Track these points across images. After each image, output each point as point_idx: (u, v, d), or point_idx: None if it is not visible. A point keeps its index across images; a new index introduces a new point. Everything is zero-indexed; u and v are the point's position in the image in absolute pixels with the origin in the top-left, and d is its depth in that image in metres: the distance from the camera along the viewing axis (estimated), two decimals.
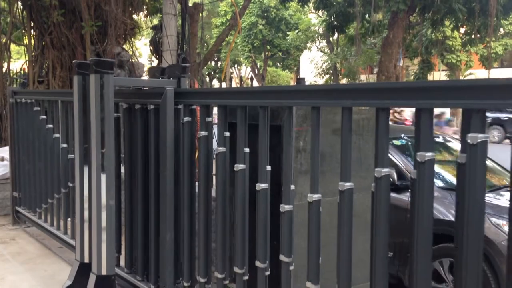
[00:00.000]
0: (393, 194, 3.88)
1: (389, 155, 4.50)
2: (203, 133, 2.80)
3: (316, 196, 2.14)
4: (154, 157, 3.09)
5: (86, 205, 3.17)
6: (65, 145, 4.11)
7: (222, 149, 2.66)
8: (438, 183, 4.47)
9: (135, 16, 8.58)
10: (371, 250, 1.92)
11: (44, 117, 4.50)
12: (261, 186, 2.40)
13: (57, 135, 4.25)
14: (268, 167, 2.40)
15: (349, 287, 2.04)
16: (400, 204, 4.09)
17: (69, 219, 4.13)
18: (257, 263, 2.41)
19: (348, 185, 2.00)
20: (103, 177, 2.98)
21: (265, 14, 31.41)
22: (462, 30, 18.37)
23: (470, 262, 1.63)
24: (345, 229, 2.01)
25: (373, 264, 1.92)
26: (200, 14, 9.48)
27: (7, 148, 5.56)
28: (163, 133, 2.93)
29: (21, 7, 7.56)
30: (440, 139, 5.51)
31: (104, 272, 3.02)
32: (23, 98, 4.95)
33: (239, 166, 2.52)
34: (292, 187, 2.33)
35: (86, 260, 3.21)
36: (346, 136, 2.02)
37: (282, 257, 2.29)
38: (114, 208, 3.10)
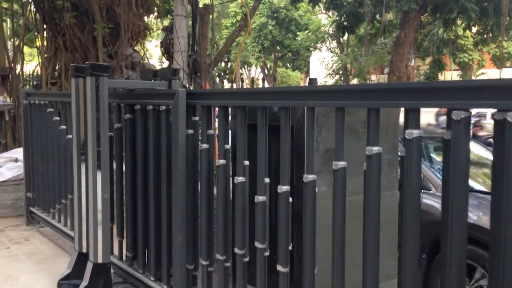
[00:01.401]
0: None
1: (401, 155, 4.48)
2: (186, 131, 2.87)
3: (285, 188, 2.33)
4: (166, 157, 3.11)
5: (83, 199, 3.34)
6: None
7: (205, 146, 2.88)
8: None
9: (146, 18, 8.63)
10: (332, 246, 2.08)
11: (58, 118, 4.54)
12: (239, 179, 2.58)
13: (70, 136, 4.29)
14: (246, 162, 2.61)
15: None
16: None
17: None
18: (236, 250, 2.61)
19: (311, 177, 2.21)
20: (99, 173, 3.19)
21: (275, 15, 31.41)
22: (474, 29, 18.21)
23: (409, 247, 1.83)
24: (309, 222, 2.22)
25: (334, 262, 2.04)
26: (211, 16, 9.51)
27: (21, 149, 5.62)
28: (175, 134, 2.94)
29: (34, 9, 7.64)
30: None
31: (100, 260, 3.23)
32: (36, 100, 5.00)
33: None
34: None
35: (84, 250, 3.38)
36: (309, 132, 2.24)
37: (257, 244, 2.46)
38: (109, 201, 3.34)
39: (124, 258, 3.69)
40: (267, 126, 2.48)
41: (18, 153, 5.84)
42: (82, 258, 3.37)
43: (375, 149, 1.96)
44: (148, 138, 3.28)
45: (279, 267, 2.35)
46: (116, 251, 3.81)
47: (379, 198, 1.97)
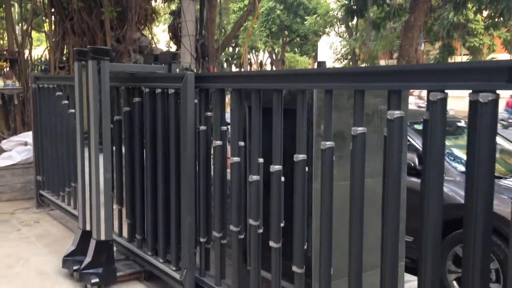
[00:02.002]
0: (413, 179, 3.83)
1: (410, 139, 4.45)
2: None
3: (277, 167, 2.43)
4: (174, 140, 3.12)
5: (87, 179, 3.47)
6: None
7: (203, 127, 2.96)
8: (460, 167, 4.40)
9: (153, 2, 8.58)
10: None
11: (66, 102, 4.56)
12: (234, 159, 2.70)
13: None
14: (241, 143, 2.74)
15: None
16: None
17: None
18: (231, 227, 2.75)
19: (301, 156, 2.31)
20: (101, 154, 3.33)
21: None
22: (485, 13, 17.93)
23: (388, 229, 1.90)
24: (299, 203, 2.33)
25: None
26: (218, 0, 9.44)
27: (30, 133, 5.65)
28: (184, 117, 2.95)
29: None
30: (462, 123, 5.39)
31: (102, 237, 3.38)
32: (45, 84, 5.02)
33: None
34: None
35: (88, 228, 3.53)
36: (300, 114, 2.35)
37: (251, 221, 2.58)
38: (111, 181, 3.49)
39: (126, 236, 3.73)
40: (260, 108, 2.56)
41: (27, 136, 5.89)
42: (86, 236, 3.50)
43: (360, 129, 2.03)
44: (157, 121, 3.29)
45: (271, 243, 2.44)
46: (124, 234, 3.86)
47: (364, 177, 2.06)
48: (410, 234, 3.33)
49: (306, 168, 2.40)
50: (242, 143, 2.76)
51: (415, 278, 3.34)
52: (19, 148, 5.82)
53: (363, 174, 2.05)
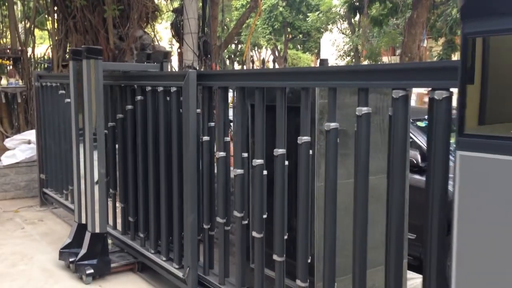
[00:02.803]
0: (416, 176, 3.83)
1: (413, 136, 4.44)
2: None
3: (259, 161, 2.53)
4: (177, 138, 3.12)
5: (82, 174, 3.58)
6: None
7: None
8: None
9: (155, 0, 8.57)
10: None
11: (69, 100, 4.56)
12: (220, 154, 2.82)
13: None
14: (227, 138, 2.87)
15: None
16: (423, 185, 4.02)
17: None
18: (217, 219, 2.90)
19: (280, 151, 2.42)
20: (95, 151, 3.44)
21: None
22: None
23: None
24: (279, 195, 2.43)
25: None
26: None
27: (33, 131, 5.67)
28: (186, 114, 2.95)
29: None
30: None
31: (97, 230, 3.50)
32: (48, 82, 5.03)
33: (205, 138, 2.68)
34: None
35: (83, 221, 3.63)
36: (280, 112, 2.43)
37: (235, 213, 2.70)
38: (105, 175, 3.58)
39: (129, 233, 3.74)
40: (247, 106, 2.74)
41: (30, 135, 5.90)
42: (81, 229, 3.60)
43: (333, 125, 2.15)
44: (159, 119, 3.30)
45: (254, 233, 2.55)
46: (127, 231, 3.87)
47: (336, 172, 2.16)
48: (413, 232, 3.33)
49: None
50: (228, 139, 2.87)
51: (418, 276, 3.36)
52: (23, 146, 5.83)
53: (336, 169, 2.16)
